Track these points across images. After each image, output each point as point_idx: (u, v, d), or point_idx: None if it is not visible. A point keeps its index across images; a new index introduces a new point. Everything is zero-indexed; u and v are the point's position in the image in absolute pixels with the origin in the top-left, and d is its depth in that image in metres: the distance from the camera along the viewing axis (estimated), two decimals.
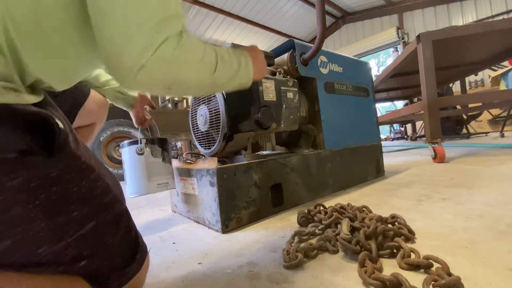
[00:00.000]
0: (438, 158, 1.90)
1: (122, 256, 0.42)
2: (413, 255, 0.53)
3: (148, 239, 0.87)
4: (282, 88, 1.03)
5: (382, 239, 0.61)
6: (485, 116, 5.27)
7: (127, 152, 0.90)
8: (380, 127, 3.48)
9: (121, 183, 0.80)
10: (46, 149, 0.35)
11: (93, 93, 0.83)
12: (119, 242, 0.42)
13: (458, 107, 3.91)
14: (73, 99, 0.77)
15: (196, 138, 1.13)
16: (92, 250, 0.39)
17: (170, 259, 0.70)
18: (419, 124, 5.54)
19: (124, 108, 0.94)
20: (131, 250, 0.44)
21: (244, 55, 0.62)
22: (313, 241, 0.68)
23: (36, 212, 0.34)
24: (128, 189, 0.89)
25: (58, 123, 0.35)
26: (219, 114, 0.95)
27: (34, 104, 0.36)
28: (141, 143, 0.88)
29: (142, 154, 0.87)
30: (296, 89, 1.10)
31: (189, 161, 1.08)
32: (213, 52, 0.51)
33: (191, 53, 0.46)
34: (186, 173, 1.02)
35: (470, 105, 3.58)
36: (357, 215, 0.74)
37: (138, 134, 0.93)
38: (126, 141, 0.91)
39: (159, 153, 0.92)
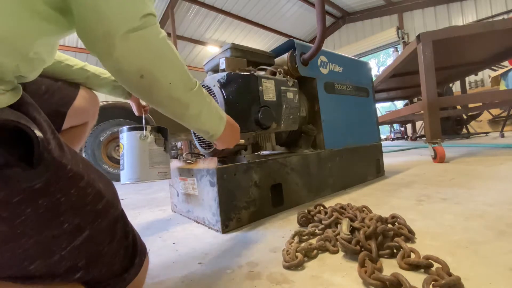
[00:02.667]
0: (438, 158, 1.90)
1: (120, 262, 0.41)
2: (413, 255, 0.53)
3: (148, 239, 0.87)
4: (282, 88, 1.03)
5: (382, 239, 0.61)
6: (485, 116, 5.27)
7: (129, 137, 0.87)
8: (380, 127, 3.48)
9: (117, 183, 0.79)
10: (26, 160, 0.32)
11: (82, 91, 0.80)
12: (116, 249, 0.41)
13: (458, 107, 3.91)
14: (60, 97, 0.74)
15: (196, 138, 1.13)
16: (87, 260, 0.37)
17: (170, 259, 0.70)
18: (419, 124, 5.54)
19: (121, 98, 0.92)
20: (129, 255, 0.43)
21: (223, 113, 0.66)
22: (313, 241, 0.68)
23: (23, 228, 0.32)
24: (127, 174, 0.86)
25: (35, 132, 0.32)
26: None
27: (12, 106, 0.33)
28: (145, 129, 0.86)
29: (146, 140, 0.86)
30: (296, 89, 1.10)
31: (189, 161, 1.08)
32: (193, 78, 0.52)
33: (173, 51, 0.46)
34: (186, 173, 1.02)
35: (470, 105, 3.58)
36: (357, 215, 0.74)
37: (143, 121, 0.92)
38: (125, 127, 0.88)
39: (162, 142, 0.91)
